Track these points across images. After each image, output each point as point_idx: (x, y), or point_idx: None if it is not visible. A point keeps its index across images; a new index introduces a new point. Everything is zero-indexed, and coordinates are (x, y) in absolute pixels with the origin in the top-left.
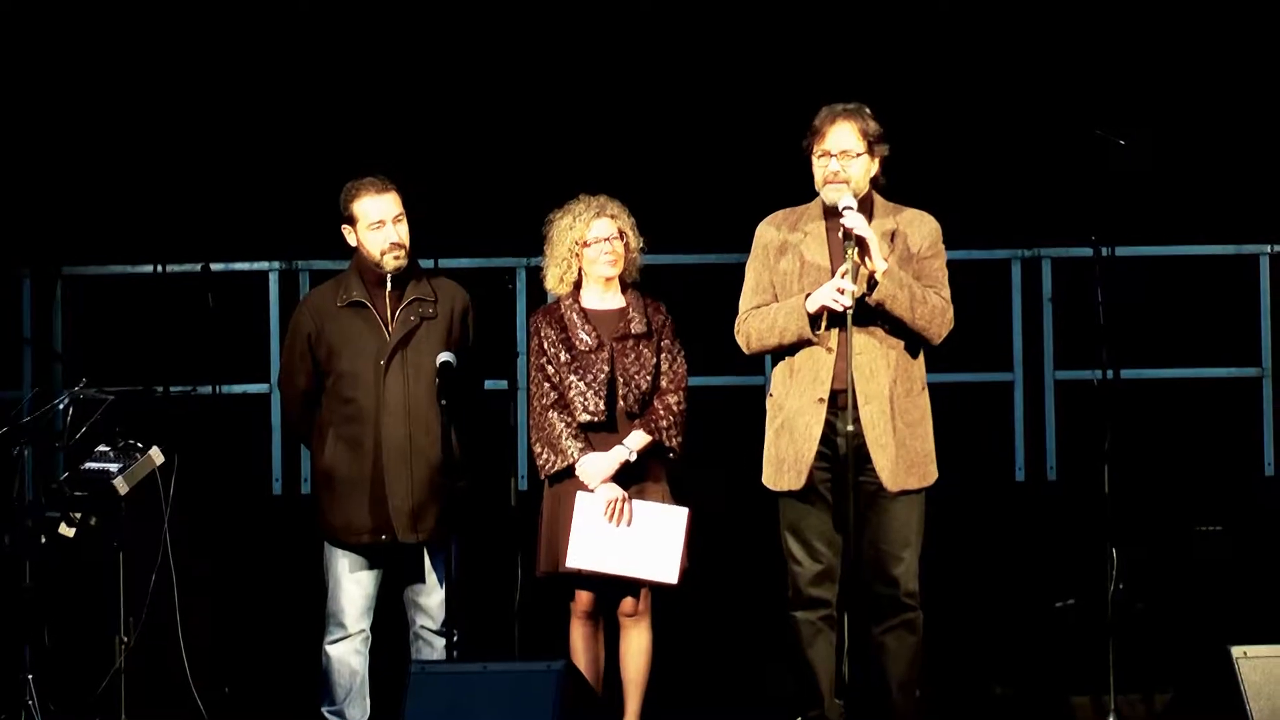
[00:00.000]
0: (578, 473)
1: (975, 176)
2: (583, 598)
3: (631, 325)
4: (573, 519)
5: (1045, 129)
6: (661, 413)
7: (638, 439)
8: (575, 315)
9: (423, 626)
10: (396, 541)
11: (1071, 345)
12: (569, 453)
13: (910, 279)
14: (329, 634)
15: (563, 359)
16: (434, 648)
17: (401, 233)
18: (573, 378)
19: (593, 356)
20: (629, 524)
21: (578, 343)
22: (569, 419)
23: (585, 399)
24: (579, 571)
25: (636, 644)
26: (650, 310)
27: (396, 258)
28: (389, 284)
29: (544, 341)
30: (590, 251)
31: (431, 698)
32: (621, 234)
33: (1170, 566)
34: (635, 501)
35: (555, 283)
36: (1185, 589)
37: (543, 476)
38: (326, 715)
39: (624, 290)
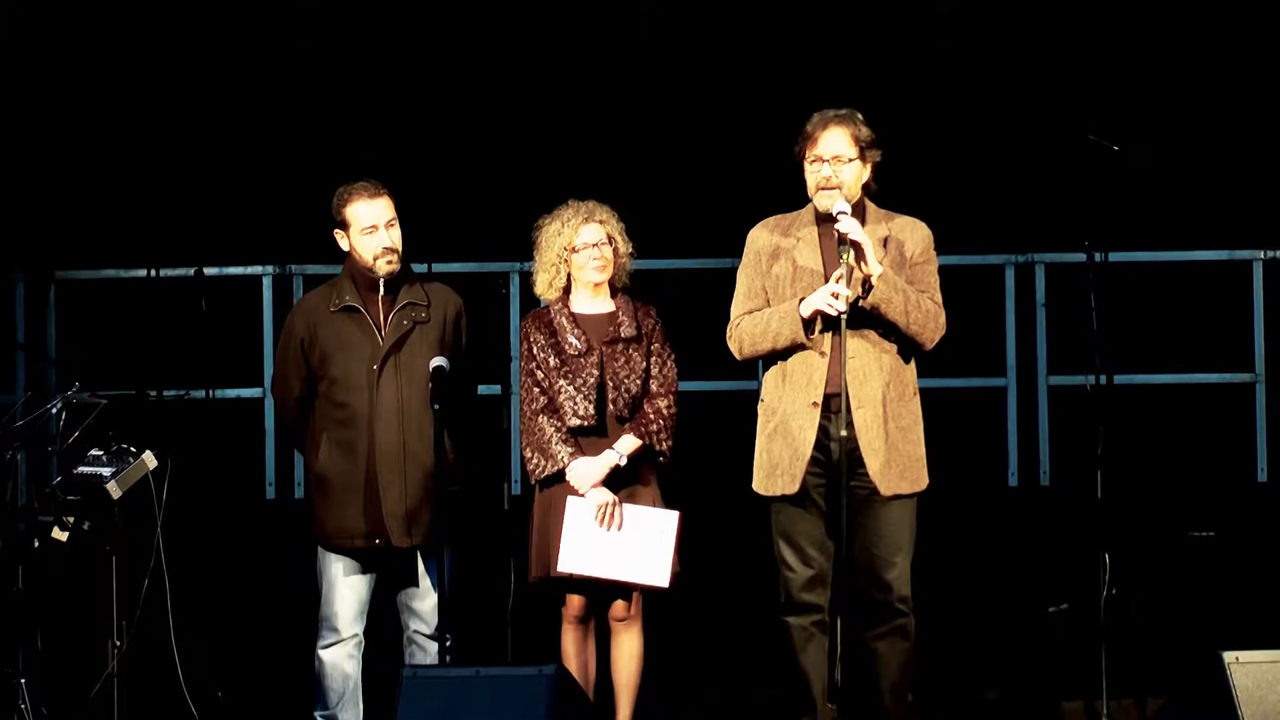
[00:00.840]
0: (568, 477)
1: (969, 181)
2: (574, 602)
3: (621, 329)
4: (563, 524)
5: (1039, 134)
6: (651, 416)
7: (628, 443)
8: (564, 320)
9: (416, 631)
10: (390, 546)
11: (1065, 350)
12: (559, 457)
13: (904, 284)
14: (322, 638)
15: (552, 364)
16: (427, 652)
17: (394, 237)
18: (562, 382)
19: (582, 361)
20: (620, 528)
21: (567, 347)
22: (558, 424)
23: (575, 403)
24: (570, 576)
25: (628, 648)
26: (640, 314)
27: (389, 262)
28: (381, 289)
29: (534, 346)
30: (578, 257)
31: (424, 702)
32: (610, 239)
33: (1163, 572)
34: (625, 505)
35: (544, 288)
36: (1178, 594)
37: (533, 481)
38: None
39: (614, 295)
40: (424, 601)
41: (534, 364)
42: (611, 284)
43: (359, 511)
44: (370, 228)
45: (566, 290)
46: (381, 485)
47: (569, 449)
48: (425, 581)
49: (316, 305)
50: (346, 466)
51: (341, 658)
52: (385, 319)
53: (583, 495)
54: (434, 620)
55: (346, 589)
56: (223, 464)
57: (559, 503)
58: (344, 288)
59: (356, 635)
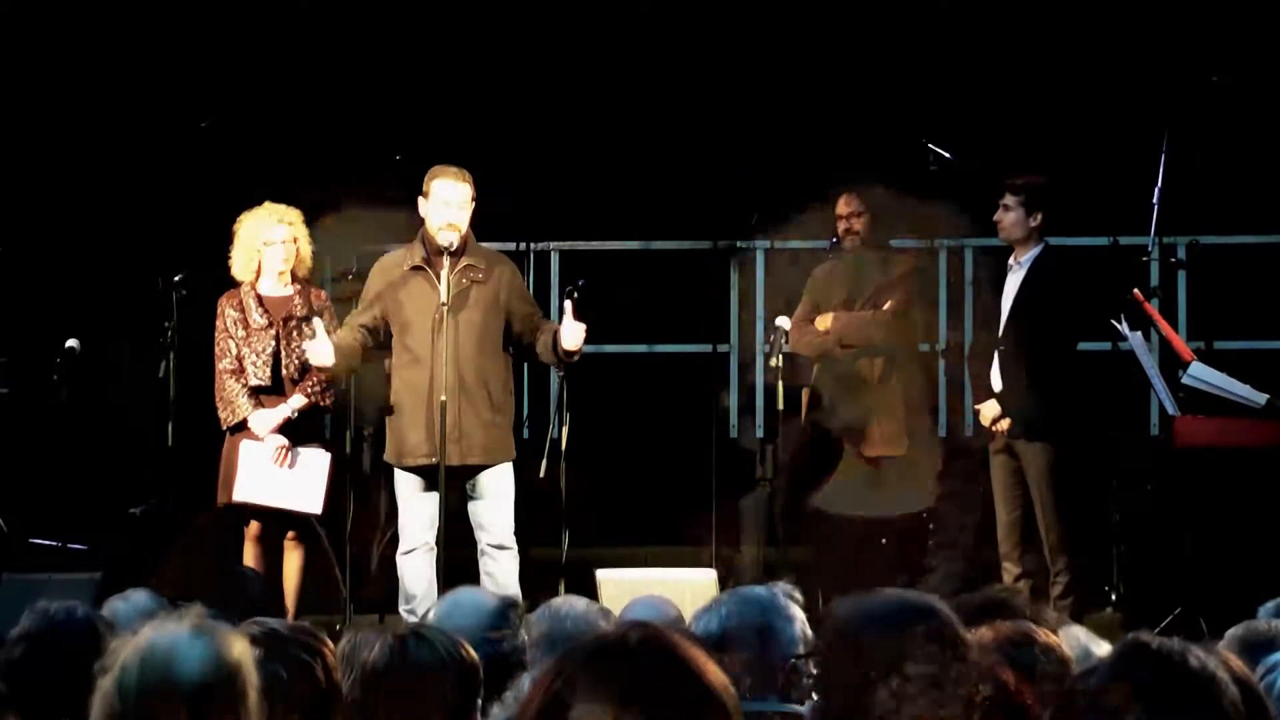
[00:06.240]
0: (250, 425)
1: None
2: (253, 526)
3: (296, 309)
4: (239, 461)
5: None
6: (315, 380)
7: (297, 400)
8: (251, 299)
9: (487, 544)
10: (449, 466)
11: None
12: (242, 409)
13: None
14: (400, 547)
15: (240, 334)
16: (498, 561)
17: (461, 217)
18: (246, 349)
19: (263, 333)
20: (289, 466)
21: (251, 321)
22: (243, 382)
23: (256, 367)
24: (245, 504)
25: (294, 563)
26: (314, 298)
27: (449, 235)
28: (446, 254)
29: (226, 319)
30: (269, 250)
31: None
32: (295, 239)
33: None
34: (295, 449)
35: (240, 271)
36: None
37: (223, 429)
38: (403, 614)
39: (294, 281)
40: (488, 516)
41: (226, 333)
42: (294, 273)
43: (421, 437)
44: (443, 203)
45: (257, 275)
46: (440, 414)
47: (251, 402)
48: (489, 499)
49: (390, 267)
50: (412, 399)
51: (415, 562)
52: (447, 278)
53: (262, 439)
54: (498, 533)
55: (415, 504)
56: None
57: (240, 445)
58: (415, 250)
59: (428, 543)
